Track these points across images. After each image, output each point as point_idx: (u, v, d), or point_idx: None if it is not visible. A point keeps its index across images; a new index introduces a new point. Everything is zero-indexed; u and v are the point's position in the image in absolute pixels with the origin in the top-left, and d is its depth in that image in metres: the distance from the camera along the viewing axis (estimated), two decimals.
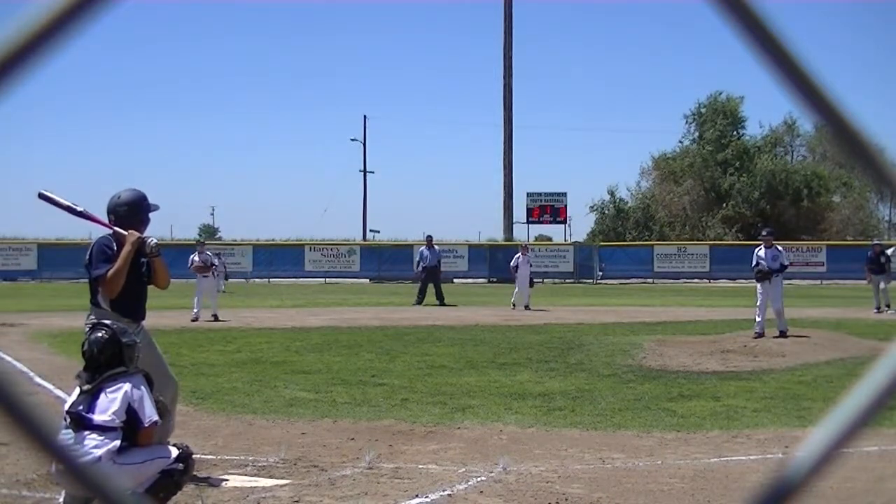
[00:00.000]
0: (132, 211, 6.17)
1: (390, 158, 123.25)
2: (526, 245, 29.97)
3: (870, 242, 26.80)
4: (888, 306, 21.65)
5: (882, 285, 22.12)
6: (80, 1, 0.60)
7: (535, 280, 25.24)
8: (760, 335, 14.78)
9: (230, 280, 41.39)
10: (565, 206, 51.52)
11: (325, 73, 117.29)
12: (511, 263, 25.14)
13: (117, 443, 4.77)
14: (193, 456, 5.20)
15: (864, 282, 23.74)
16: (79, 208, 5.96)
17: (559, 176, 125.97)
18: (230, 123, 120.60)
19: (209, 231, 77.66)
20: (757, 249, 15.82)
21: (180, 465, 4.99)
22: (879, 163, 0.77)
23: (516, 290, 23.98)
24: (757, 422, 8.31)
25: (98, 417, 4.77)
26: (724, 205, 57.59)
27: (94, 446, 4.71)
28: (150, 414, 4.92)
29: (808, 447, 0.75)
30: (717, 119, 60.08)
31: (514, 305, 23.50)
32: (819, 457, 0.75)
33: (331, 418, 8.39)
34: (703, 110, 61.55)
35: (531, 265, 24.83)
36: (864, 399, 0.76)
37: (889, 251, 33.72)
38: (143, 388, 4.97)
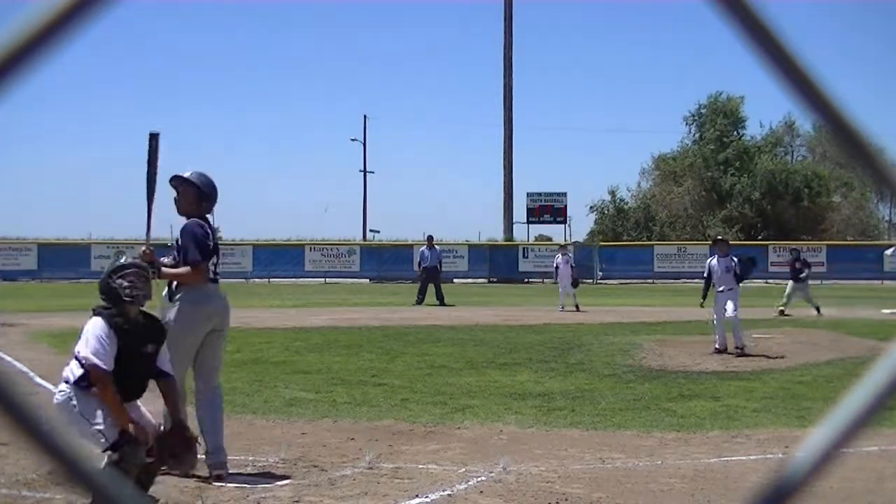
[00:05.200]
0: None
1: (390, 158, 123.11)
2: (565, 244, 29.63)
3: (869, 242, 26.66)
4: (817, 309, 21.03)
5: (798, 290, 21.66)
6: (81, 1, 0.60)
7: (579, 280, 24.51)
8: (736, 350, 13.19)
9: (230, 280, 41.41)
10: (565, 206, 51.53)
11: (325, 73, 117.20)
12: (554, 264, 24.88)
13: (64, 389, 4.91)
14: (133, 439, 4.87)
15: (854, 282, 23.61)
16: (154, 191, 6.07)
17: (559, 176, 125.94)
18: (230, 123, 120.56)
19: None
20: (710, 259, 14.25)
21: (115, 455, 4.80)
22: (879, 163, 0.77)
23: (560, 290, 23.58)
24: (757, 422, 8.32)
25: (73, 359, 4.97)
26: (725, 205, 57.63)
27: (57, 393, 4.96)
28: (83, 352, 4.85)
29: (808, 447, 0.75)
30: (718, 119, 60.12)
31: (562, 307, 22.95)
32: (819, 457, 0.75)
33: (331, 418, 8.39)
34: (703, 111, 61.59)
35: (573, 265, 24.35)
36: (864, 399, 0.76)
37: (888, 251, 33.60)
38: (94, 327, 4.91)
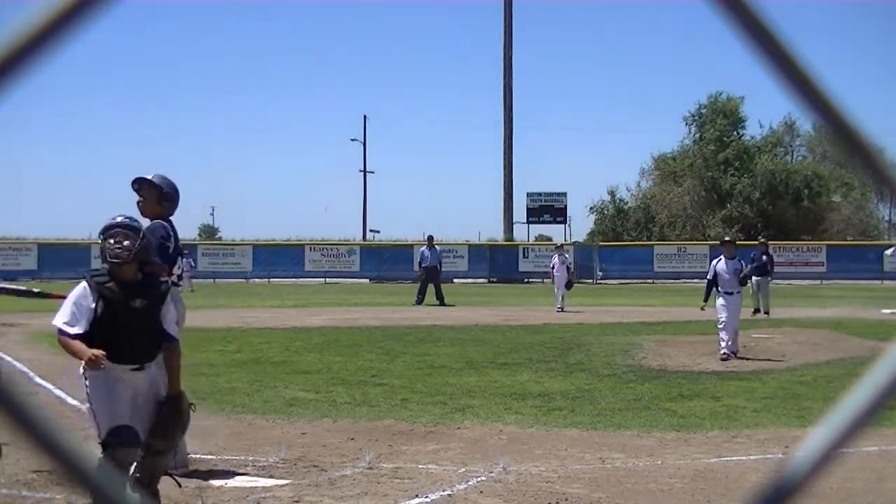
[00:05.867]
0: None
1: (390, 158, 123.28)
2: (562, 245, 29.37)
3: (869, 242, 26.45)
4: (766, 312, 20.38)
5: (761, 288, 20.91)
6: (81, 1, 0.60)
7: (573, 281, 24.12)
8: (733, 354, 12.92)
9: (230, 280, 41.46)
10: (565, 206, 51.55)
11: (325, 73, 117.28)
12: (550, 265, 24.54)
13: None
14: (120, 441, 4.71)
15: (854, 282, 23.07)
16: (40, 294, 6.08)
17: (559, 176, 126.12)
18: (230, 123, 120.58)
19: (209, 231, 77.67)
20: (716, 261, 13.57)
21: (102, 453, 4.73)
22: (879, 163, 0.77)
23: (556, 291, 23.35)
24: (757, 422, 8.32)
25: None
26: (726, 205, 57.62)
27: None
28: (56, 317, 4.81)
29: (808, 447, 0.75)
30: (718, 119, 60.10)
31: (560, 307, 22.80)
32: (819, 457, 0.75)
33: (331, 418, 8.39)
34: (703, 111, 61.58)
35: (569, 266, 23.93)
36: (864, 399, 0.76)
37: (888, 251, 33.51)
38: (72, 292, 4.85)
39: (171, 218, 6.48)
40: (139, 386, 4.83)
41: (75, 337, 4.72)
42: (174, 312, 5.09)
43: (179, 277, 6.48)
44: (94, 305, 4.76)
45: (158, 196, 6.37)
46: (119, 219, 4.95)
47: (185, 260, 6.51)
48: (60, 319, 4.77)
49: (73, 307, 4.79)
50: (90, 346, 4.68)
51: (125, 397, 4.78)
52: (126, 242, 4.82)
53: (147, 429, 4.80)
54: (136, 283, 4.90)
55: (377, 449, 6.98)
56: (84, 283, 4.84)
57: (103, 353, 4.64)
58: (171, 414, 4.92)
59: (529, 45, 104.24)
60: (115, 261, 4.80)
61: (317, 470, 6.43)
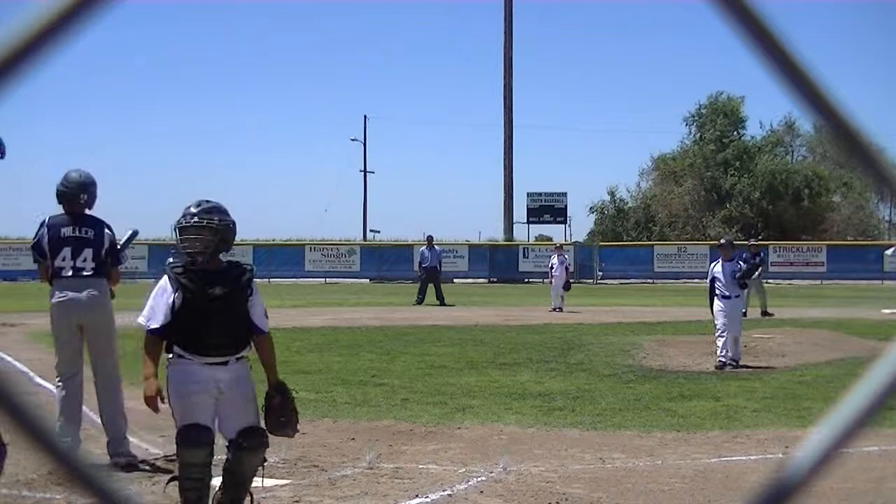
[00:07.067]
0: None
1: (390, 158, 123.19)
2: (561, 245, 29.28)
3: (869, 242, 26.34)
4: (744, 314, 20.31)
5: (749, 290, 20.68)
6: (81, 1, 0.60)
7: (571, 282, 23.94)
8: (729, 364, 12.21)
9: None
10: (565, 206, 51.60)
11: (325, 73, 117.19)
12: (549, 265, 24.39)
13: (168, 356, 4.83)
14: (186, 440, 4.66)
15: (854, 282, 22.80)
16: None
17: (559, 176, 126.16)
18: (230, 123, 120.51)
19: None
20: (714, 264, 12.97)
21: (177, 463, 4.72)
22: (879, 163, 0.77)
23: (552, 292, 23.34)
24: (757, 422, 8.32)
25: None
26: (725, 205, 57.61)
27: None
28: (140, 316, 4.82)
29: (808, 447, 0.75)
30: (718, 119, 60.09)
31: (554, 308, 22.72)
32: (819, 457, 0.75)
33: (331, 418, 8.39)
34: (703, 111, 61.56)
35: (567, 266, 23.86)
36: (864, 399, 0.76)
37: (888, 251, 33.48)
38: (155, 288, 4.84)
39: (84, 212, 6.66)
40: (222, 383, 4.68)
41: (153, 332, 4.71)
42: (261, 304, 4.93)
43: (75, 269, 6.50)
44: (171, 297, 4.69)
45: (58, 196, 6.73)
46: (193, 218, 4.75)
47: (91, 250, 6.58)
48: (143, 316, 4.76)
49: (152, 302, 4.76)
50: (171, 337, 4.69)
51: (204, 395, 4.65)
52: (199, 244, 4.72)
53: (234, 427, 4.68)
54: (217, 271, 4.81)
55: (377, 449, 6.98)
56: (164, 277, 4.79)
57: (160, 396, 4.70)
58: (281, 404, 4.82)
59: (529, 45, 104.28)
60: (191, 262, 4.75)
61: (317, 470, 6.43)
